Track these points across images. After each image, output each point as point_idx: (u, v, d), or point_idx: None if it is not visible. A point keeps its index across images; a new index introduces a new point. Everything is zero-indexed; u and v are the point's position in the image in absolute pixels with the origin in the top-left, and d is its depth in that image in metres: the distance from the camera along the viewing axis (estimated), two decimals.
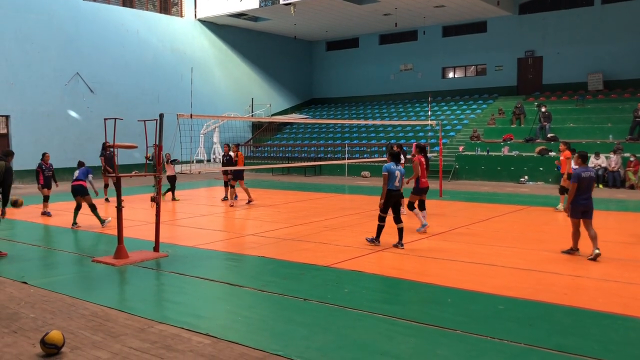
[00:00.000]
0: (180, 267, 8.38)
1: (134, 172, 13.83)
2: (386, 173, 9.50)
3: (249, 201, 15.97)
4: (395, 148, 12.04)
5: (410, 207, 11.26)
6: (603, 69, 27.98)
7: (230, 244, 10.38)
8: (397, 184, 9.54)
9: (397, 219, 9.65)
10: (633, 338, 5.42)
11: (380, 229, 9.71)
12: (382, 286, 7.44)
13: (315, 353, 5.01)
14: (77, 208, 12.30)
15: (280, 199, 17.13)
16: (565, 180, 13.76)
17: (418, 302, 6.63)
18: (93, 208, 12.16)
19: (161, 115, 9.17)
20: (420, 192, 11.32)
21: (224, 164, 16.55)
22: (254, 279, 7.79)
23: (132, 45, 28.46)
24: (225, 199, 16.62)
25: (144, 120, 9.47)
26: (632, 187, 19.54)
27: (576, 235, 8.86)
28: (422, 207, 11.36)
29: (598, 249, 8.50)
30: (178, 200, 17.03)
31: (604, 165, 20.52)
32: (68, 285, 7.51)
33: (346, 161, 24.14)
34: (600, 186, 20.30)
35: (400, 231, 9.58)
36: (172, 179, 17.01)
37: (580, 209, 8.64)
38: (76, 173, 12.60)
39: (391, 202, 9.57)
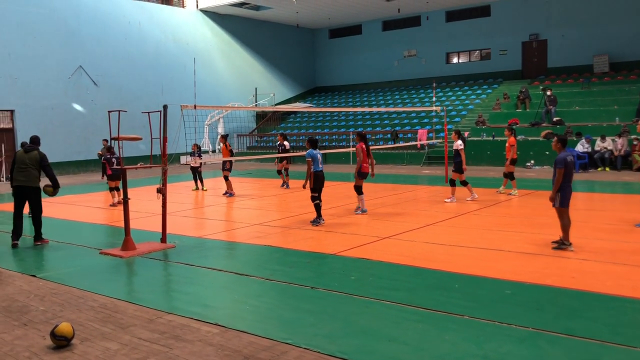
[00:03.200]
0: (188, 257, 8.41)
1: (139, 164, 13.85)
2: (310, 159, 10.63)
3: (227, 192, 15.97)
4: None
5: (358, 191, 11.83)
6: (609, 51, 27.73)
7: (237, 234, 10.40)
8: (320, 165, 10.76)
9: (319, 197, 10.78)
10: None
11: (318, 207, 10.69)
12: (389, 273, 7.44)
13: (323, 340, 5.03)
14: None
15: (286, 189, 17.14)
16: (509, 166, 14.00)
17: (425, 288, 6.64)
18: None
19: (165, 107, 9.16)
20: (362, 176, 11.80)
21: (280, 152, 17.59)
22: (260, 268, 7.81)
23: (134, 37, 28.41)
24: (283, 185, 17.37)
25: (148, 112, 9.47)
26: (639, 169, 19.39)
27: (569, 225, 8.18)
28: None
29: (571, 243, 8.13)
30: (206, 190, 17.27)
31: (610, 148, 20.40)
32: (76, 277, 7.56)
33: (351, 149, 24.03)
34: (607, 169, 20.21)
35: (317, 206, 10.73)
36: (195, 170, 17.27)
37: (569, 196, 8.14)
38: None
39: (319, 181, 10.72)
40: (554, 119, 23.37)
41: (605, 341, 4.85)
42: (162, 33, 29.79)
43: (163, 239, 9.32)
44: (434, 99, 23.83)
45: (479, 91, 30.72)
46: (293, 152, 22.39)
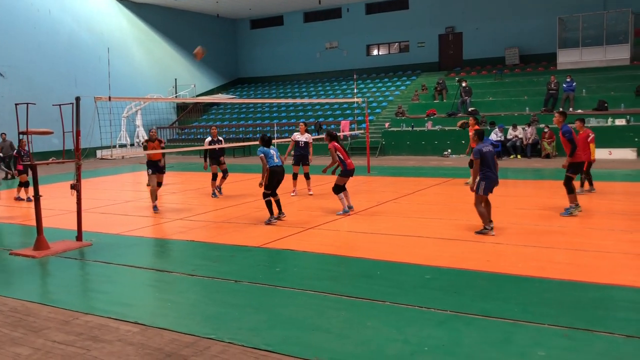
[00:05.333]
0: (106, 255, 8.11)
1: (51, 159, 13.19)
2: (262, 155, 9.98)
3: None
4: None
5: (337, 190, 10.68)
6: (519, 44, 29.10)
7: (158, 230, 10.14)
8: (276, 160, 10.05)
9: (274, 193, 10.19)
10: (549, 298, 5.74)
11: (268, 204, 10.03)
12: (313, 263, 7.51)
13: (248, 334, 5.01)
14: None
15: (209, 182, 16.86)
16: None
17: (348, 277, 6.74)
18: None
19: (77, 99, 8.77)
20: (348, 174, 10.73)
21: (217, 150, 13.39)
22: (183, 264, 7.66)
23: (44, 25, 26.93)
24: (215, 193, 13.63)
25: (60, 105, 9.03)
26: (547, 156, 20.56)
27: (484, 212, 8.55)
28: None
29: (492, 227, 8.49)
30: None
31: (520, 136, 21.45)
32: None
33: (275, 140, 23.96)
34: (519, 157, 21.26)
35: (278, 202, 10.19)
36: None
37: (491, 185, 8.53)
38: None
39: (276, 178, 10.03)
40: (469, 109, 24.29)
41: (516, 320, 5.12)
42: (74, 22, 28.41)
43: (79, 237, 8.94)
44: (355, 90, 24.15)
45: (398, 83, 31.42)
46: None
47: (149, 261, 7.92)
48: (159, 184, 12.13)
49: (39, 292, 6.75)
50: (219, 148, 13.40)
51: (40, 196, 8.64)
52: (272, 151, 10.12)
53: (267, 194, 10.06)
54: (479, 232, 8.59)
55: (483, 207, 8.59)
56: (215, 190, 13.55)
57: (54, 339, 5.03)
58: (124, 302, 6.09)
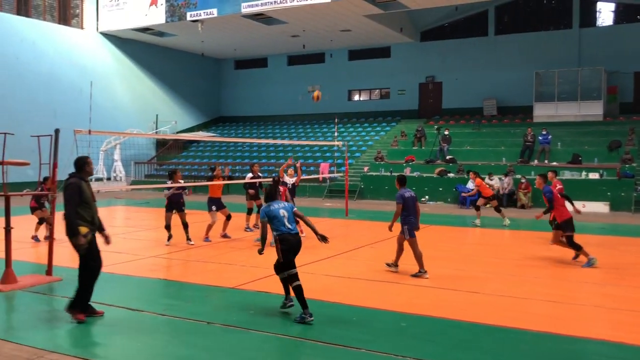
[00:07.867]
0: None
1: (25, 191, 12.95)
2: (265, 219, 6.90)
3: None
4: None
5: None
6: (496, 95, 29.83)
7: (131, 267, 9.93)
8: (288, 225, 6.88)
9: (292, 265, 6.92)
10: (524, 349, 5.72)
11: (285, 281, 6.95)
12: None
13: None
14: None
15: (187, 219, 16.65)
16: (493, 202, 16.23)
17: (324, 322, 6.64)
18: None
19: (57, 131, 8.69)
20: None
21: (252, 186, 14.38)
22: (154, 303, 7.50)
23: (26, 56, 26.89)
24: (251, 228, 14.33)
25: (38, 136, 8.94)
26: (522, 206, 20.83)
27: (421, 254, 8.99)
28: None
29: (426, 270, 8.84)
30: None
31: (497, 185, 21.75)
32: None
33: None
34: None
35: (297, 289, 6.72)
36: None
37: (415, 228, 8.98)
38: None
39: (292, 250, 6.90)
40: (447, 157, 24.64)
41: None
42: (57, 54, 28.43)
43: (49, 272, 8.71)
44: (335, 133, 24.40)
45: (378, 128, 31.85)
46: (194, 181, 21.79)
47: (118, 299, 7.72)
48: (229, 217, 13.09)
49: (2, 328, 6.52)
50: (258, 184, 14.37)
51: (12, 228, 8.44)
52: (282, 211, 6.93)
53: (285, 278, 6.93)
54: (415, 275, 8.86)
55: (419, 249, 8.93)
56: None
57: None
58: (91, 341, 5.91)
